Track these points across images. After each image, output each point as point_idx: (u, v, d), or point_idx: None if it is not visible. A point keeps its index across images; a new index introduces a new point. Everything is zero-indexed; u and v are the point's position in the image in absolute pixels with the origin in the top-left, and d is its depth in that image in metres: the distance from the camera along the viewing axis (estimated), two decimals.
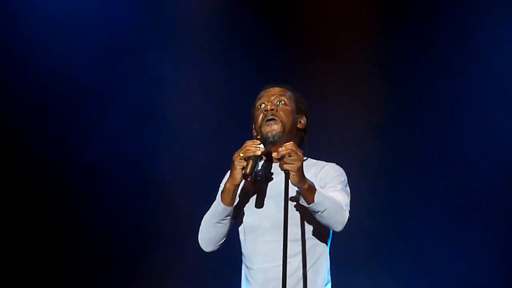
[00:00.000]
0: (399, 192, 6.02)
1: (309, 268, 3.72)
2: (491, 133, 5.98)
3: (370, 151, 6.06)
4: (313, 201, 3.50)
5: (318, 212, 3.54)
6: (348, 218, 3.62)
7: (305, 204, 3.55)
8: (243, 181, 3.61)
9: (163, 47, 6.31)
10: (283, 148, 3.49)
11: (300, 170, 3.46)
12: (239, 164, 3.55)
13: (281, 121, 3.77)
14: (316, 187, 3.52)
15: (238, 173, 3.56)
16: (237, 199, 3.70)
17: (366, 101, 6.12)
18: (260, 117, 3.79)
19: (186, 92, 6.28)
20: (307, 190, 3.50)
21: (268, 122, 3.77)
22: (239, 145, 3.62)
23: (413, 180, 6.07)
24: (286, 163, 3.45)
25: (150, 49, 6.31)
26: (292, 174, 3.46)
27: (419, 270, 5.97)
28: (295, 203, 3.67)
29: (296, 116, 3.86)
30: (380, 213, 5.99)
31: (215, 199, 3.74)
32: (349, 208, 3.66)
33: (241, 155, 3.55)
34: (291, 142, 3.53)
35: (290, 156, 3.45)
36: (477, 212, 5.98)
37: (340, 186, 3.71)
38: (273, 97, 3.84)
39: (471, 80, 6.04)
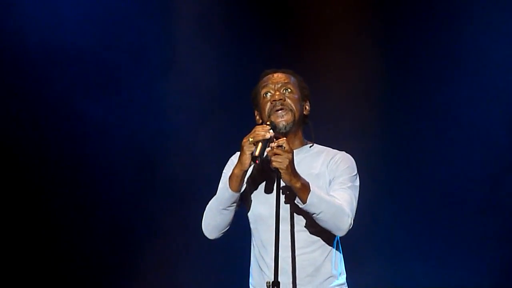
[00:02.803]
0: (397, 192, 6.01)
1: (324, 258, 3.65)
2: (490, 132, 6.00)
3: (366, 146, 6.02)
4: (306, 201, 3.41)
5: (313, 214, 3.45)
6: (351, 224, 3.53)
7: (300, 204, 3.45)
8: (251, 168, 3.53)
9: (162, 38, 6.38)
10: (274, 144, 3.43)
11: (290, 167, 3.38)
12: (248, 149, 3.48)
13: (290, 110, 3.72)
14: (312, 188, 3.41)
15: (247, 158, 3.48)
16: (244, 186, 3.62)
17: (362, 96, 6.14)
18: (268, 106, 3.73)
19: (186, 83, 6.31)
20: (300, 189, 3.42)
21: (278, 113, 3.71)
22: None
23: (411, 179, 6.06)
24: (274, 161, 3.39)
25: (150, 41, 6.35)
26: (281, 171, 3.38)
27: (416, 270, 5.96)
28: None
29: (302, 103, 3.81)
30: (378, 213, 5.94)
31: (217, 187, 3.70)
32: (354, 213, 3.58)
33: (250, 139, 3.47)
34: (284, 138, 3.47)
35: (275, 154, 3.39)
36: (476, 212, 6.01)
37: (349, 183, 3.63)
38: (278, 85, 3.75)
39: (468, 79, 6.10)
